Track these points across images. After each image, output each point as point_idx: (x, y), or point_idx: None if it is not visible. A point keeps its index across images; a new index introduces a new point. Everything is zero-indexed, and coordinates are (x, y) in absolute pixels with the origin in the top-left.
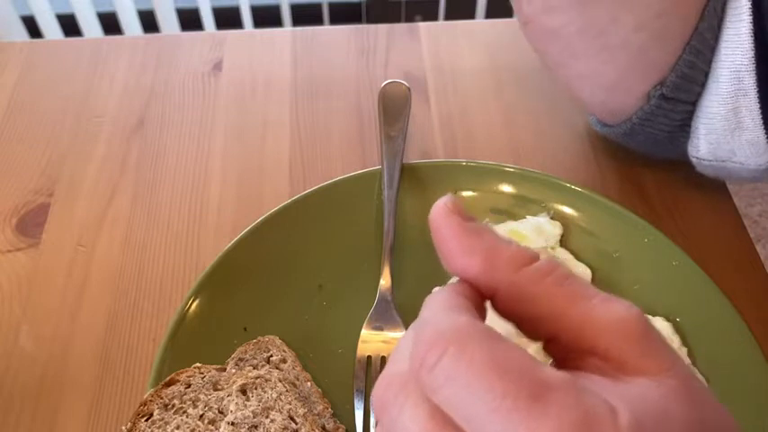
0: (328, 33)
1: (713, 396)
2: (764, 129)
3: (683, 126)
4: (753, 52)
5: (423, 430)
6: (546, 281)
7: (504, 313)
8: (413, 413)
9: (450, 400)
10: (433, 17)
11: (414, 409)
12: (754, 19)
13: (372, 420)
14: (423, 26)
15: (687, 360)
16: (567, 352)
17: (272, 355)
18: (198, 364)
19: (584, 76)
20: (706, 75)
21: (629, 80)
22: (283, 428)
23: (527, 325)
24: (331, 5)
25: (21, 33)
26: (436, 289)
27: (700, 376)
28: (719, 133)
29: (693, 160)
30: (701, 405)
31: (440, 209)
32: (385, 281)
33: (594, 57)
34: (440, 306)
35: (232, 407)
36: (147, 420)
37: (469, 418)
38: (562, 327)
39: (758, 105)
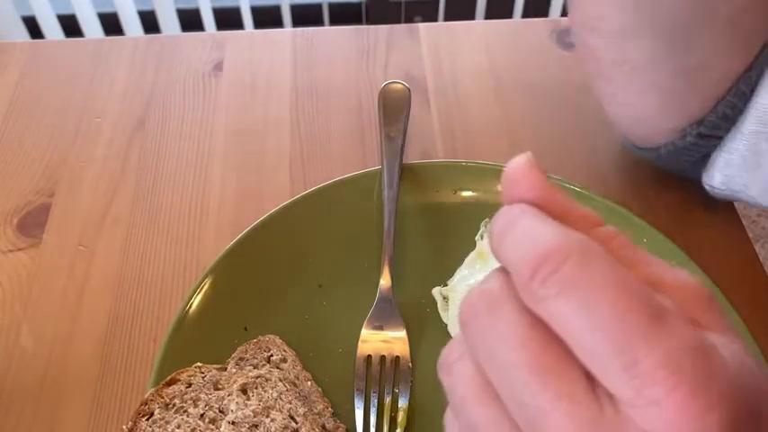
0: (328, 34)
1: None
2: None
3: (708, 156)
4: None
5: (522, 338)
6: (614, 242)
7: None
8: (511, 321)
9: (561, 311)
10: (433, 18)
11: (512, 317)
12: None
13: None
14: (422, 27)
15: None
16: None
17: (272, 355)
18: (198, 364)
19: (614, 99)
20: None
21: (657, 117)
22: (284, 428)
23: None
24: (331, 6)
25: (22, 34)
26: (506, 210)
27: None
28: (735, 169)
29: (707, 187)
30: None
31: (522, 162)
32: (385, 281)
33: (625, 88)
34: (542, 219)
35: (233, 406)
36: (147, 420)
37: (581, 331)
38: None
39: None
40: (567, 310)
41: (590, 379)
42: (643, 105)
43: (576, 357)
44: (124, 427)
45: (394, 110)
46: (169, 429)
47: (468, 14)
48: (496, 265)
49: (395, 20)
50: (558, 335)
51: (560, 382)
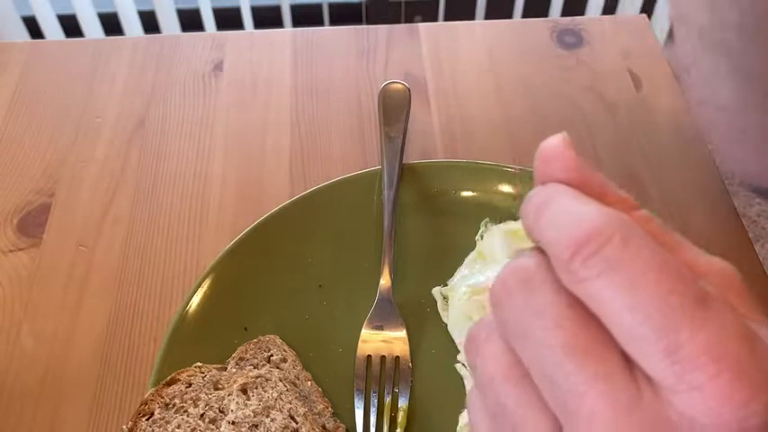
0: (328, 34)
1: None
2: None
3: None
4: None
5: (559, 317)
6: (651, 226)
7: None
8: (547, 300)
9: (602, 292)
10: (433, 18)
11: (548, 296)
12: None
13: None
14: (422, 27)
15: None
16: None
17: (272, 355)
18: (199, 364)
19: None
20: None
21: None
22: (284, 428)
23: None
24: (331, 6)
25: (22, 34)
26: (550, 189)
27: None
28: None
29: None
30: None
31: (557, 141)
32: (385, 281)
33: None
34: (579, 198)
35: (233, 406)
36: (148, 419)
37: (621, 313)
38: None
39: None
40: (609, 291)
41: (628, 362)
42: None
43: (613, 340)
44: (124, 427)
45: (394, 110)
46: (169, 429)
47: (468, 14)
48: (496, 265)
49: (395, 20)
50: (597, 316)
51: (597, 363)
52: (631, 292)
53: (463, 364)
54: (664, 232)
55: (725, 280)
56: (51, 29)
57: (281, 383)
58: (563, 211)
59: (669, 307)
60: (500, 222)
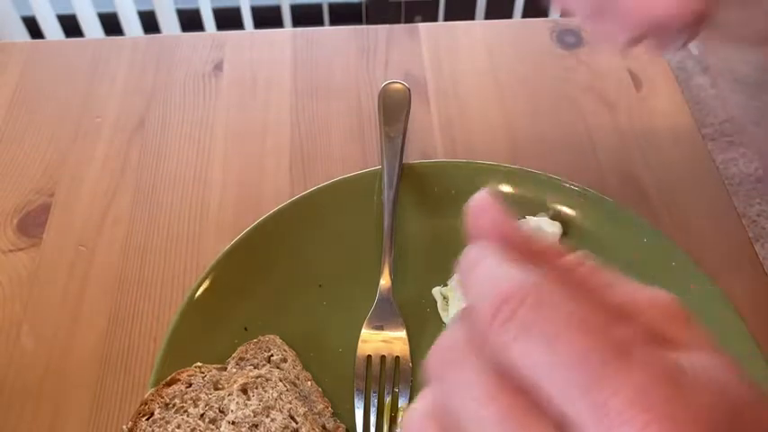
0: (328, 34)
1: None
2: None
3: None
4: None
5: (491, 392)
6: (582, 269)
7: None
8: (479, 372)
9: (523, 355)
10: (433, 18)
11: (479, 367)
12: None
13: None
14: (422, 27)
15: None
16: None
17: (272, 355)
18: (199, 364)
19: None
20: None
21: None
22: (284, 428)
23: None
24: (331, 6)
25: (22, 34)
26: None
27: None
28: None
29: None
30: (755, 387)
31: (483, 196)
32: (385, 281)
33: None
34: (503, 259)
35: (233, 406)
36: (147, 419)
37: (544, 375)
38: None
39: None
40: (528, 354)
41: (565, 422)
42: None
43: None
44: (124, 427)
45: (394, 110)
46: (169, 429)
47: (468, 14)
48: None
49: (395, 20)
50: (523, 381)
51: None
52: (549, 353)
53: None
54: (597, 272)
55: (667, 312)
56: (51, 29)
57: (281, 383)
58: (485, 274)
59: (589, 364)
60: None
